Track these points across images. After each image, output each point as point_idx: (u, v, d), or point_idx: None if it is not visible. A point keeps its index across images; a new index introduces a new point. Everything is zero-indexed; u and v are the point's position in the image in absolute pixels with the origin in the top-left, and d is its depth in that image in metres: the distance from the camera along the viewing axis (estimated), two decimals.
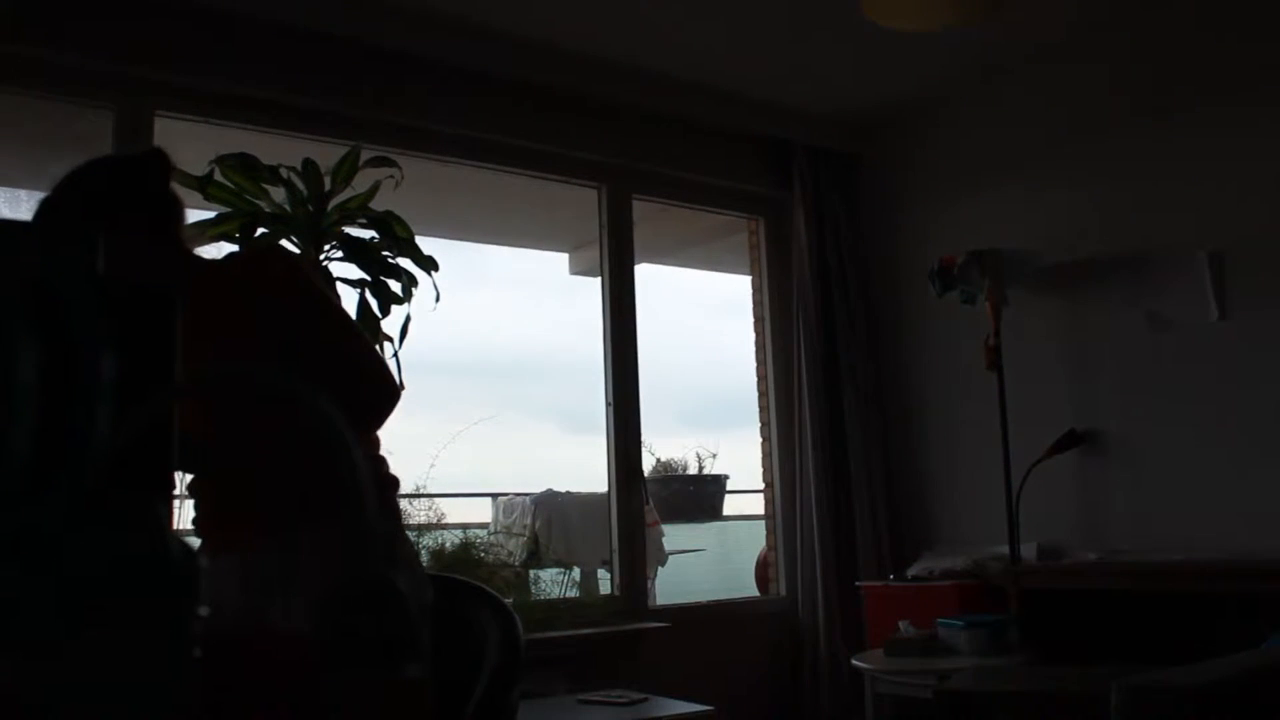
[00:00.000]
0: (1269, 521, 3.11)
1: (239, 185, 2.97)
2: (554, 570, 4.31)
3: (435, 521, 4.12)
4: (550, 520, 4.44)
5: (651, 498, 4.22)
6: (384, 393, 1.74)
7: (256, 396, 1.63)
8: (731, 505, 5.46)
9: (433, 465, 3.72)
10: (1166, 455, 3.42)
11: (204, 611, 0.57)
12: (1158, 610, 3.01)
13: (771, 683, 4.09)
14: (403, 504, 1.91)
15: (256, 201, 2.99)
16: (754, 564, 5.05)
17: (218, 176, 2.95)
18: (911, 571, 3.85)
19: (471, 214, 5.02)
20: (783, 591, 4.33)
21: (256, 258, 1.90)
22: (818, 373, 4.22)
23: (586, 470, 4.18)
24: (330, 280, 2.57)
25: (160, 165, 1.81)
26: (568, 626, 3.63)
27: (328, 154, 3.08)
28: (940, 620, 3.33)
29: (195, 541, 1.75)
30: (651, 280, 6.67)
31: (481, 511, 4.85)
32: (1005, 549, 3.59)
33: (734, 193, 4.46)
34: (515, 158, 3.88)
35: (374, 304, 2.90)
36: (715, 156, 4.32)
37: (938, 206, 4.25)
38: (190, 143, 3.29)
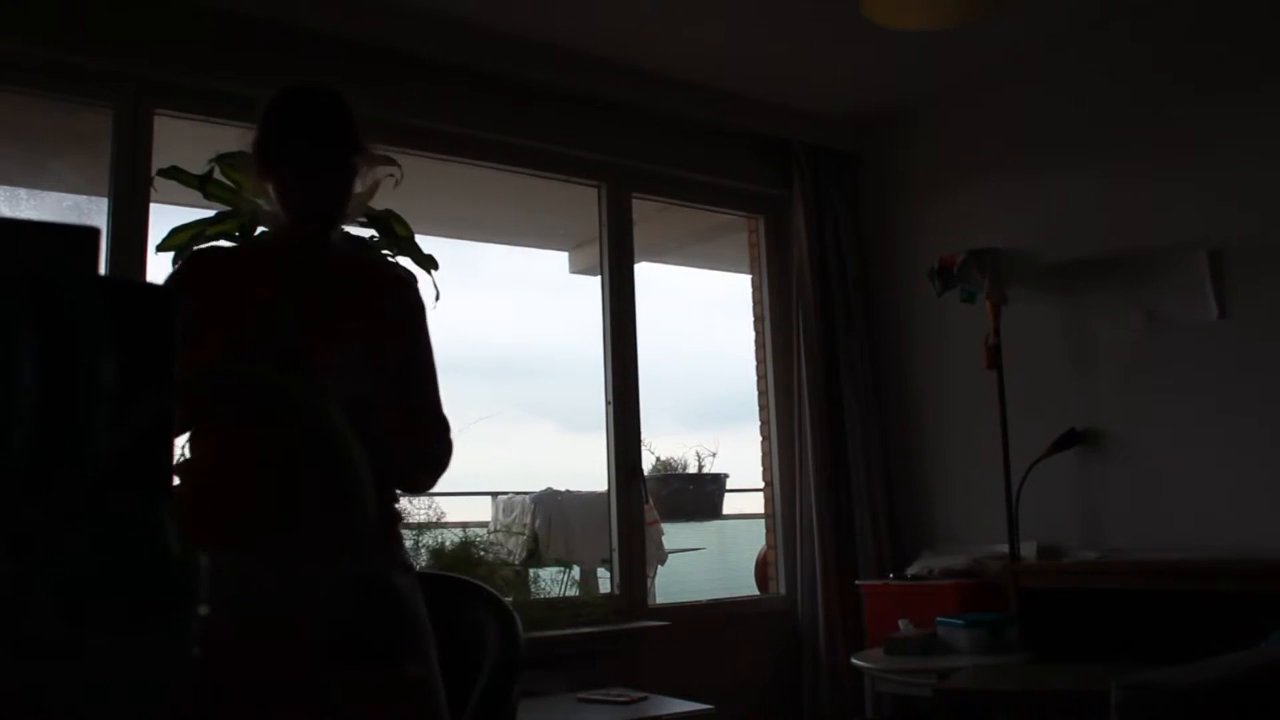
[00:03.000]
0: (1268, 521, 3.11)
1: (239, 184, 2.97)
2: (554, 569, 4.31)
3: (435, 520, 4.12)
4: (550, 519, 4.43)
5: (651, 496, 4.22)
6: (449, 455, 1.86)
7: (263, 394, 1.63)
8: (731, 504, 5.46)
9: None
10: (1166, 455, 3.42)
11: (203, 611, 0.57)
12: (1157, 609, 3.01)
13: (771, 682, 4.09)
14: (402, 502, 1.93)
15: (256, 200, 2.99)
16: (754, 563, 5.05)
17: (217, 175, 2.95)
18: (911, 570, 3.85)
19: (471, 213, 5.02)
20: (782, 590, 4.33)
21: (408, 278, 1.97)
22: (817, 371, 4.22)
23: (586, 469, 4.18)
24: None
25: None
26: (567, 625, 3.62)
27: None
28: (940, 619, 3.33)
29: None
30: (651, 279, 6.67)
31: (481, 510, 4.85)
32: (1005, 548, 3.60)
33: (734, 191, 4.46)
34: (515, 157, 3.88)
35: None
36: (715, 155, 4.31)
37: (937, 205, 4.25)
38: (190, 142, 3.29)
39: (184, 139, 3.30)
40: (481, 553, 3.82)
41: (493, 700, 1.90)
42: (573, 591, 4.19)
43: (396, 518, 1.83)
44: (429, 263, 2.95)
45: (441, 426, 1.86)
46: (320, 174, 1.78)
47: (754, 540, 5.05)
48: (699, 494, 5.27)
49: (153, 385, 0.57)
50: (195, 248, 1.89)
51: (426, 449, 1.84)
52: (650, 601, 4.05)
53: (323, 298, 1.76)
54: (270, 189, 1.81)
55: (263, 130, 1.80)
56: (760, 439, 4.52)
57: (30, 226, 0.58)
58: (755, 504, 4.71)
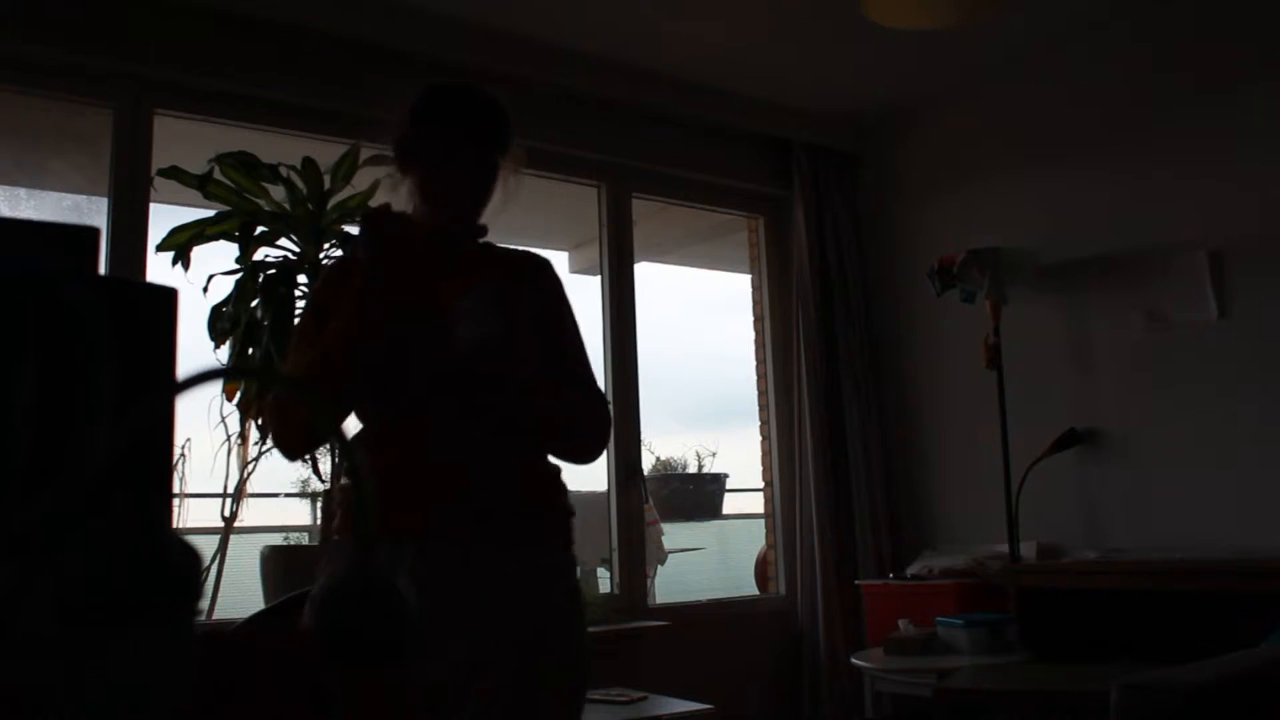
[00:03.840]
0: (1269, 521, 3.11)
1: (239, 184, 2.97)
2: None
3: None
4: None
5: (651, 496, 4.22)
6: (609, 424, 1.90)
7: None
8: (731, 504, 5.46)
9: None
10: (1166, 455, 3.42)
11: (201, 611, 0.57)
12: (1157, 609, 3.01)
13: (771, 682, 4.09)
14: None
15: (256, 200, 3.00)
16: (754, 563, 5.04)
17: (217, 175, 2.96)
18: (911, 570, 3.85)
19: None
20: (782, 590, 4.33)
21: (544, 261, 1.96)
22: (817, 371, 4.22)
23: (586, 468, 4.16)
24: None
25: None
26: None
27: (327, 152, 3.08)
28: (940, 619, 3.33)
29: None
30: (651, 279, 6.66)
31: None
32: (1005, 548, 3.60)
33: (734, 191, 4.46)
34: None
35: None
36: (715, 155, 4.31)
37: (937, 205, 4.25)
38: (190, 141, 3.30)
39: (184, 139, 3.30)
40: None
41: None
42: None
43: (562, 489, 1.85)
44: None
45: (599, 397, 1.89)
46: (463, 169, 1.80)
47: (754, 540, 5.05)
48: (699, 494, 5.27)
49: (153, 385, 0.57)
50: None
51: (587, 417, 1.85)
52: (650, 601, 4.05)
53: (458, 283, 1.78)
54: (410, 181, 1.82)
55: (410, 123, 1.82)
56: (760, 439, 4.52)
57: (30, 226, 0.58)
58: (755, 504, 4.70)
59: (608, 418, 1.89)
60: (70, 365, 0.52)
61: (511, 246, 1.94)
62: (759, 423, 4.52)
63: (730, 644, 3.99)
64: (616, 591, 3.89)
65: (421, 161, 1.80)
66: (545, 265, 1.93)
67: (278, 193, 3.01)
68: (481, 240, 1.88)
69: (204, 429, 2.85)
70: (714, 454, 5.35)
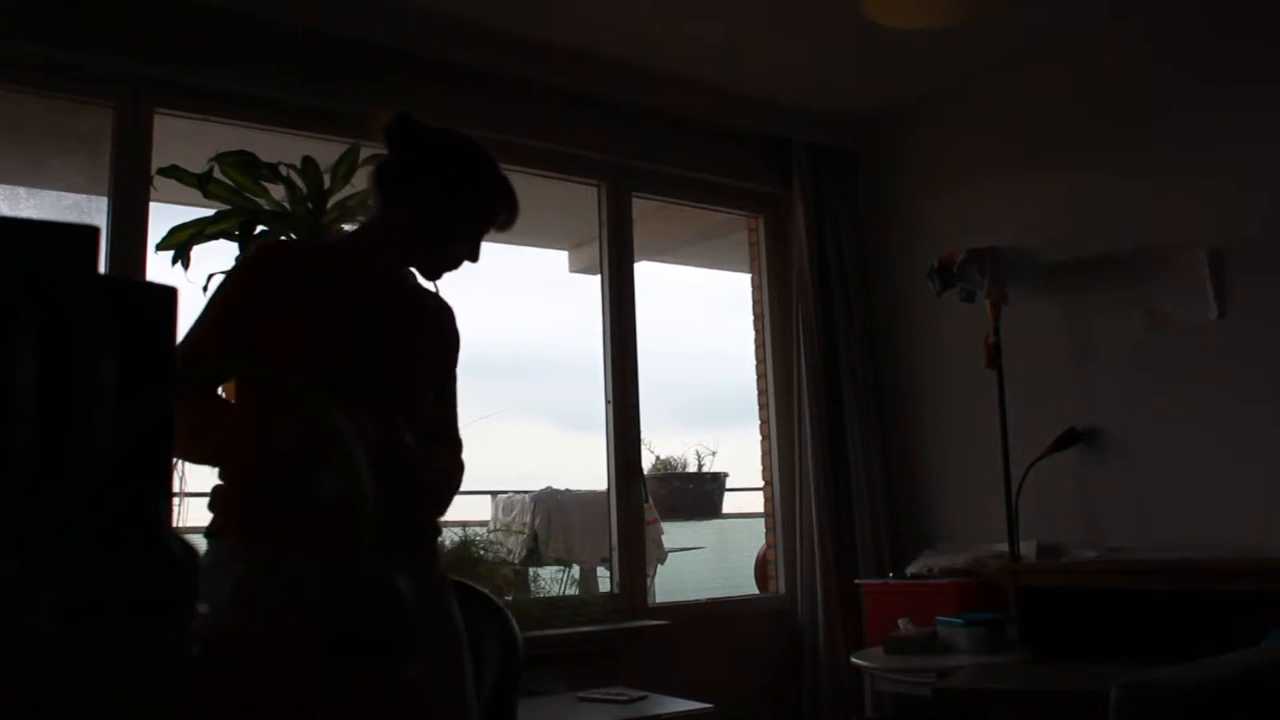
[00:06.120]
0: (1269, 520, 3.11)
1: (238, 183, 2.97)
2: (553, 568, 4.31)
3: None
4: (550, 518, 4.43)
5: (651, 495, 4.22)
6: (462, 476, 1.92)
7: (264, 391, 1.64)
8: (731, 503, 5.46)
9: None
10: (1166, 454, 3.42)
11: (204, 609, 0.57)
12: (1157, 609, 3.01)
13: (771, 681, 4.09)
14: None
15: (256, 199, 2.99)
16: (753, 562, 5.05)
17: (217, 174, 2.95)
18: (911, 569, 3.85)
19: None
20: (782, 589, 4.33)
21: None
22: (817, 370, 4.22)
23: (586, 468, 4.18)
24: None
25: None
26: (567, 624, 3.63)
27: (327, 151, 3.07)
28: (939, 618, 3.33)
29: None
30: (651, 278, 6.67)
31: (481, 509, 4.84)
32: (1004, 547, 3.60)
33: (734, 190, 4.46)
34: (515, 155, 3.87)
35: None
36: (715, 154, 4.31)
37: (937, 204, 4.25)
38: (190, 140, 3.30)
39: (184, 138, 3.30)
40: (481, 551, 3.82)
41: (493, 700, 1.91)
42: (572, 590, 4.18)
43: (439, 531, 1.92)
44: None
45: (460, 457, 1.92)
46: (457, 247, 1.85)
47: (754, 539, 5.05)
48: (699, 493, 5.27)
49: (153, 385, 0.57)
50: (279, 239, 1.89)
51: (453, 482, 1.89)
52: (650, 601, 4.05)
53: (411, 321, 1.84)
54: (406, 214, 1.80)
55: (471, 179, 1.81)
56: (760, 438, 4.52)
57: (30, 225, 0.58)
58: (755, 503, 4.70)
59: (462, 469, 1.91)
60: (70, 364, 0.52)
61: (424, 285, 1.94)
62: (759, 422, 4.52)
63: (730, 644, 3.99)
64: (616, 591, 3.89)
65: (446, 219, 1.81)
66: (451, 312, 1.97)
67: (278, 192, 3.01)
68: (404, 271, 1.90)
69: None
70: (714, 453, 5.35)
